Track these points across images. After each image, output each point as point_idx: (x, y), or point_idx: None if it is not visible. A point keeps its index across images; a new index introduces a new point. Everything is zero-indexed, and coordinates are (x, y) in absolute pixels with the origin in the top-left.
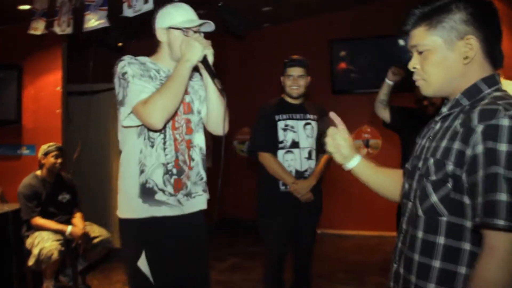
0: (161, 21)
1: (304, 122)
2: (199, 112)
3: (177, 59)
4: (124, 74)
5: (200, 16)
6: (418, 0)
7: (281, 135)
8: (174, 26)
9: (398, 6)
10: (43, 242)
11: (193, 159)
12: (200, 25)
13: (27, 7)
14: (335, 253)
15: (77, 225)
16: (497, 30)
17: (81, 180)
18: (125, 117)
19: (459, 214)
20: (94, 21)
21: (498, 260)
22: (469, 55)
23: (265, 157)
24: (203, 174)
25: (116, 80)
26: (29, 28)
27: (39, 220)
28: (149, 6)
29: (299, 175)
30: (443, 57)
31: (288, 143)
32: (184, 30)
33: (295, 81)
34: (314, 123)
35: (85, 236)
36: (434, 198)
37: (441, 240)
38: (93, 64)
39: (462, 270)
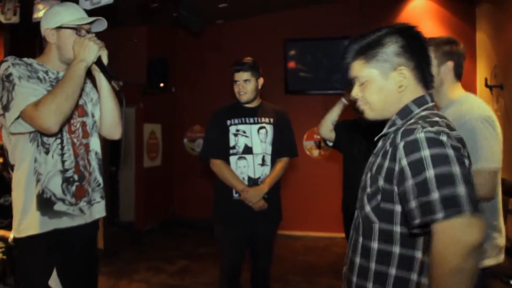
0: (49, 21)
1: (258, 126)
2: (93, 115)
3: (67, 60)
4: (8, 76)
5: (153, 10)
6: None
7: (232, 140)
8: (64, 25)
9: (356, 8)
10: None
11: (90, 164)
12: (92, 22)
13: None
14: (286, 255)
15: None
16: (426, 57)
17: None
18: (11, 123)
19: (388, 220)
20: (44, 11)
21: (447, 246)
22: (403, 84)
23: (216, 164)
24: (100, 180)
25: None
26: None
27: None
28: None
29: (253, 182)
30: (380, 87)
31: (241, 149)
32: (77, 29)
33: (242, 86)
34: (269, 127)
35: None
36: (367, 208)
37: (375, 244)
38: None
39: (393, 271)
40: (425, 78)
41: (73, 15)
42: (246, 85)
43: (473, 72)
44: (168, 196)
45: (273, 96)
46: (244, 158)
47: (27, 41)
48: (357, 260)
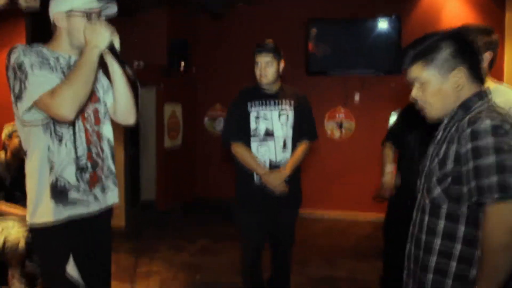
0: (59, 5)
1: (278, 110)
2: (104, 102)
3: (78, 45)
4: (20, 65)
5: None
6: None
7: (253, 124)
8: (75, 9)
9: None
10: (8, 229)
11: (103, 151)
12: (103, 6)
13: None
14: (306, 236)
15: None
16: (478, 57)
17: None
18: (24, 112)
19: (456, 202)
20: None
21: (497, 224)
22: (460, 83)
23: (237, 148)
24: (113, 167)
25: (10, 74)
26: None
27: (2, 206)
28: None
29: (274, 166)
30: (439, 88)
31: (262, 133)
32: (87, 13)
33: (263, 69)
34: (290, 111)
35: None
36: (437, 190)
37: (441, 223)
38: None
39: (458, 247)
40: (478, 75)
41: None
42: (267, 67)
43: (501, 54)
44: (189, 176)
45: (294, 78)
46: (266, 142)
47: (48, 27)
48: (423, 237)
